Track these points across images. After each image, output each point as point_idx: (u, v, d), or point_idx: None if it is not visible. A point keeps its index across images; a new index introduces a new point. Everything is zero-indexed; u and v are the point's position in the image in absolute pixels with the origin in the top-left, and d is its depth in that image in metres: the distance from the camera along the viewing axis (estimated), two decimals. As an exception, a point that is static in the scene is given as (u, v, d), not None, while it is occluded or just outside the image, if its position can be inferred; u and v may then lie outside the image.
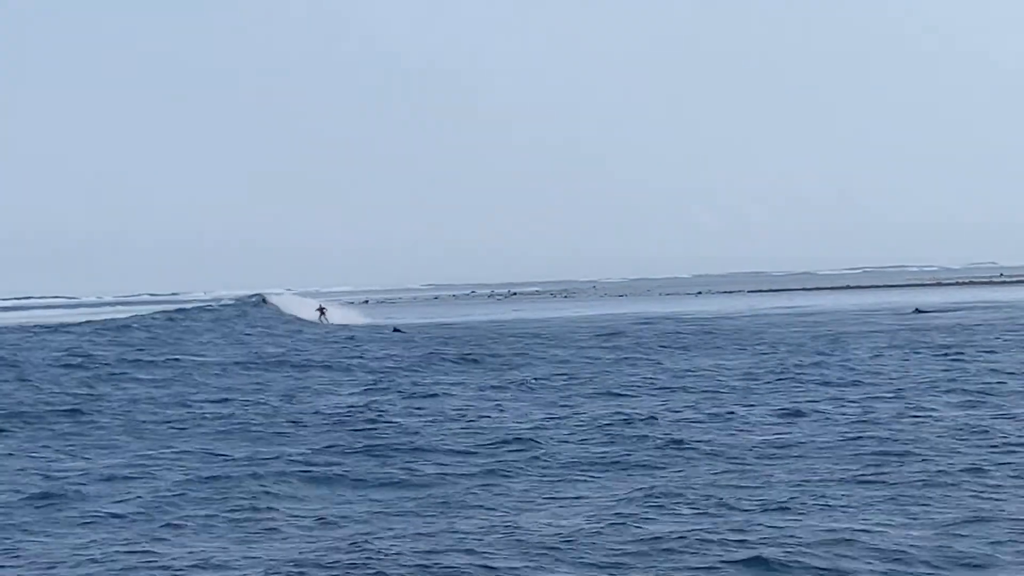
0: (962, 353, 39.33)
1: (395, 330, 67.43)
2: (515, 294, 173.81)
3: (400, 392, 33.33)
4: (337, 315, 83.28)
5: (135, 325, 63.38)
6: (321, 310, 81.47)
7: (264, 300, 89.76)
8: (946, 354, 39.30)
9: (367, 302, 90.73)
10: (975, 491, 16.73)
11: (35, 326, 65.72)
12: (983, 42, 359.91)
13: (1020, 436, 21.64)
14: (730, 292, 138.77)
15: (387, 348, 50.27)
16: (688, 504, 16.47)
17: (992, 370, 33.70)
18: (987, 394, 28.47)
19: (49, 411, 29.43)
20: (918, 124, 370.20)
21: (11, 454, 23.20)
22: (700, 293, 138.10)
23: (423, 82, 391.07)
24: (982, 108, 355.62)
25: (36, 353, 45.07)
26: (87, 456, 22.94)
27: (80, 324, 63.53)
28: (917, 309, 70.34)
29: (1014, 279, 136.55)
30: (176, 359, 43.92)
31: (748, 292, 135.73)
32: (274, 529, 16.03)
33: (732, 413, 26.34)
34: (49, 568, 14.32)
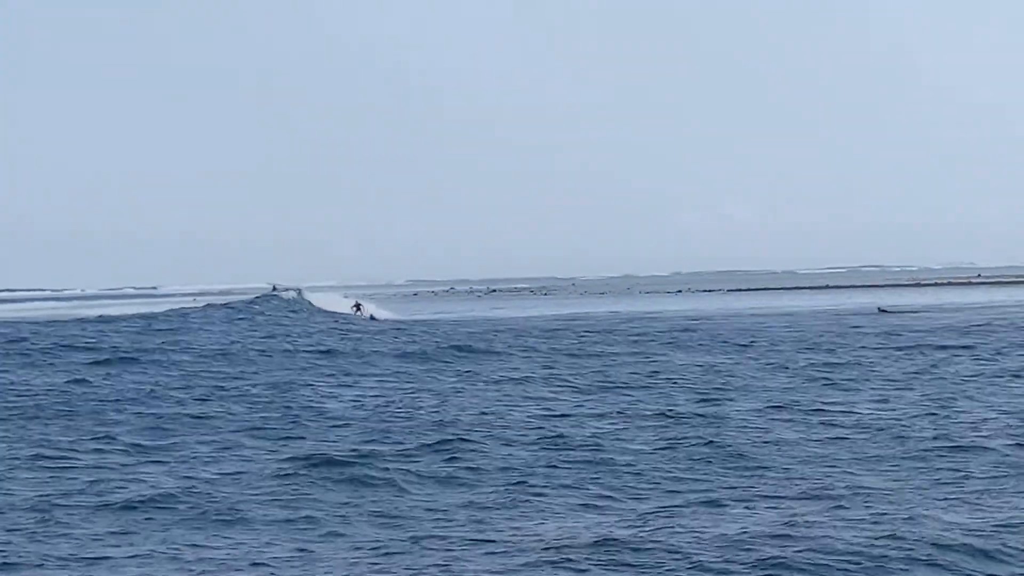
0: (922, 351, 41.27)
1: (371, 318, 70.13)
2: (495, 291, 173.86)
3: (417, 385, 34.17)
4: (371, 310, 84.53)
5: (172, 317, 63.86)
6: (357, 306, 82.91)
7: (300, 294, 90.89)
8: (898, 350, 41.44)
9: (346, 297, 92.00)
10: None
11: (75, 320, 65.89)
12: (976, 44, 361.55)
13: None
14: (709, 291, 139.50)
15: (407, 342, 50.95)
16: (733, 504, 17.00)
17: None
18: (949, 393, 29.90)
19: (98, 404, 30.01)
20: (903, 125, 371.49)
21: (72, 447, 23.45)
22: (680, 292, 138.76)
23: (409, 81, 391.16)
24: (966, 110, 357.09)
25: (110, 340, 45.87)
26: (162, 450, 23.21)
27: (110, 318, 64.01)
28: (880, 309, 72.98)
29: (990, 280, 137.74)
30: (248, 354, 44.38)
31: (727, 291, 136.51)
32: (334, 532, 16.03)
33: (724, 410, 27.36)
34: (91, 567, 14.50)
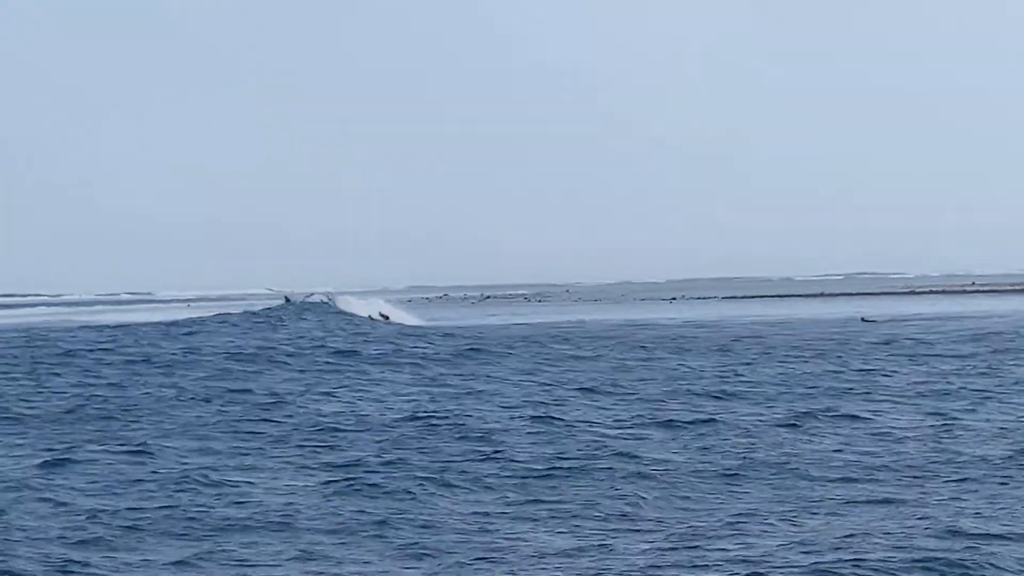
0: (920, 360, 41.91)
1: (371, 318, 73.03)
2: (488, 297, 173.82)
3: (428, 390, 34.62)
4: (395, 316, 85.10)
5: (191, 324, 64.33)
6: (384, 316, 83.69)
7: (329, 300, 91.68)
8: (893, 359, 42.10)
9: (372, 303, 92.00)
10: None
11: (91, 326, 66.24)
12: (978, 44, 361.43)
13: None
14: (704, 298, 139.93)
15: (416, 346, 51.30)
16: (758, 515, 17.21)
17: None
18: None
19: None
20: (900, 129, 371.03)
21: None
22: (674, 299, 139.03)
23: (403, 80, 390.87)
24: (965, 114, 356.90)
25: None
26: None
27: (129, 324, 64.54)
28: (863, 319, 74.32)
29: (984, 288, 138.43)
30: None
31: (722, 299, 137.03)
32: (352, 541, 16.04)
33: (732, 419, 27.64)
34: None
